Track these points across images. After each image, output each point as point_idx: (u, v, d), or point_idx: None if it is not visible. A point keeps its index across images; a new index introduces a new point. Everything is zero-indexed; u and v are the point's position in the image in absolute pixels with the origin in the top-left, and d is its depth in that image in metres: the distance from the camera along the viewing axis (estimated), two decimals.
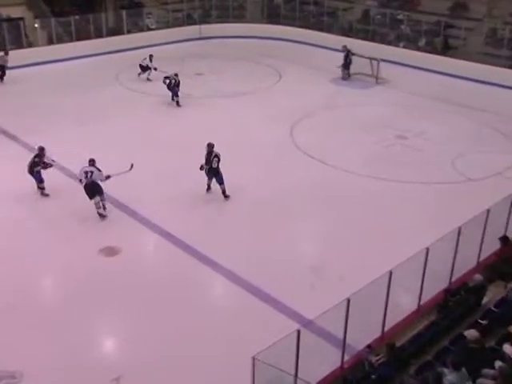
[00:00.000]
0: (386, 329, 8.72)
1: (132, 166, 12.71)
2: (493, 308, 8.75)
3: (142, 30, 28.38)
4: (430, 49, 25.58)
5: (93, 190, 12.37)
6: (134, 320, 9.59)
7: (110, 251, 11.34)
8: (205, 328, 9.34)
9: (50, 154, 13.73)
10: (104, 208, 12.61)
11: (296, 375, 7.27)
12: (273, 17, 30.69)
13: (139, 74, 22.62)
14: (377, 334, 8.68)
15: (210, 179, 13.42)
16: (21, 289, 10.21)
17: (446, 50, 25.25)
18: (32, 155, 13.41)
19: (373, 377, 7.42)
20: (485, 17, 25.34)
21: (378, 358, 7.69)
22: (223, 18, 30.89)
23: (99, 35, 26.60)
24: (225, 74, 23.50)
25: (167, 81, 19.58)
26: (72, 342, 8.97)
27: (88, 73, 23.53)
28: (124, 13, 27.53)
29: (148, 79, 22.39)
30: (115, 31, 27.43)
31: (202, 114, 19.00)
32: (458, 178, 14.77)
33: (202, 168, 13.18)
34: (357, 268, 10.66)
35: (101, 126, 17.62)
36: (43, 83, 22.13)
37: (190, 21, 29.94)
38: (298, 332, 7.00)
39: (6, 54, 22.12)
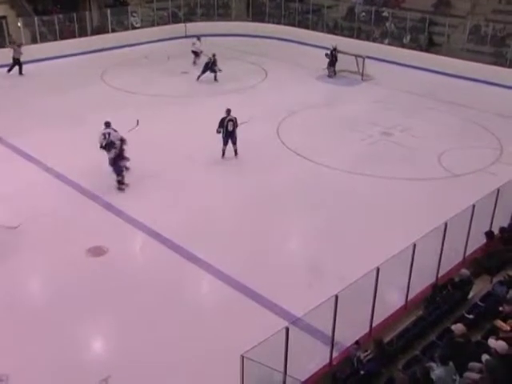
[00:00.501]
0: (374, 325, 8.76)
1: (138, 122, 14.35)
2: (479, 302, 8.83)
3: (126, 29, 28.26)
4: (415, 46, 25.76)
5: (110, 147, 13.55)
6: (122, 319, 9.55)
7: (98, 251, 11.28)
8: (193, 327, 9.33)
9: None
10: (122, 179, 13.45)
11: (285, 372, 7.29)
12: (258, 15, 30.69)
13: (194, 63, 23.77)
14: (365, 330, 8.73)
15: (225, 144, 15.03)
16: (7, 290, 10.12)
17: (430, 46, 25.44)
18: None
19: (361, 373, 7.47)
20: (468, 14, 25.55)
21: (366, 354, 7.73)
22: (208, 16, 30.86)
23: (83, 34, 26.43)
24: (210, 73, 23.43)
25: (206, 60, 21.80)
26: (59, 343, 8.92)
27: (73, 72, 23.36)
28: (108, 11, 27.35)
29: (194, 63, 23.56)
30: (100, 30, 27.26)
31: (188, 113, 18.97)
32: (443, 173, 14.89)
33: (218, 131, 14.87)
34: (345, 264, 10.71)
35: (86, 125, 17.47)
36: (27, 82, 21.94)
37: (175, 19, 29.85)
38: (287, 329, 7.01)
39: (19, 46, 22.72)
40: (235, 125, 14.89)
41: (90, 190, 13.51)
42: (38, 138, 16.43)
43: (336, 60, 23.34)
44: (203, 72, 21.96)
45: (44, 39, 25.49)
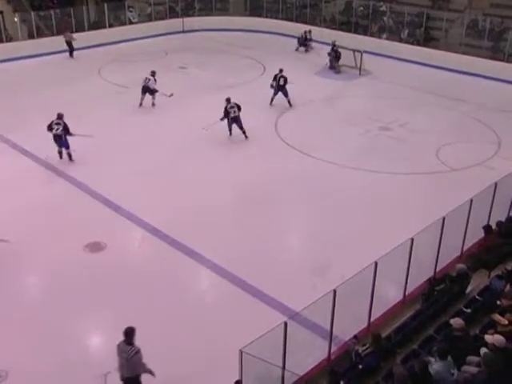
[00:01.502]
0: (372, 319, 8.79)
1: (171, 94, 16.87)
2: (477, 296, 8.86)
3: (123, 24, 28.14)
4: (413, 40, 25.72)
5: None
6: (120, 315, 9.53)
7: (96, 247, 11.27)
8: (192, 322, 9.34)
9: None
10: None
11: (284, 367, 7.31)
12: (255, 9, 30.60)
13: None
14: (363, 324, 8.75)
15: (230, 126, 16.14)
16: (4, 286, 10.12)
17: (427, 41, 25.40)
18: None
19: (360, 367, 7.49)
20: (466, 8, 25.50)
21: (364, 348, 7.75)
22: (206, 10, 30.76)
23: (80, 29, 26.32)
24: (209, 67, 23.41)
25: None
26: (58, 339, 8.93)
27: (70, 67, 23.32)
28: (105, 6, 27.24)
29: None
30: (97, 25, 27.15)
31: (187, 108, 18.92)
32: (441, 168, 14.89)
33: (222, 119, 15.95)
34: (343, 258, 10.73)
35: (83, 120, 17.42)
36: (24, 78, 21.87)
37: (172, 14, 29.75)
38: (285, 324, 7.03)
39: (71, 32, 24.82)
40: (239, 109, 15.96)
41: (88, 185, 13.49)
42: (34, 132, 16.31)
43: (339, 55, 23.39)
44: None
45: (41, 34, 25.41)
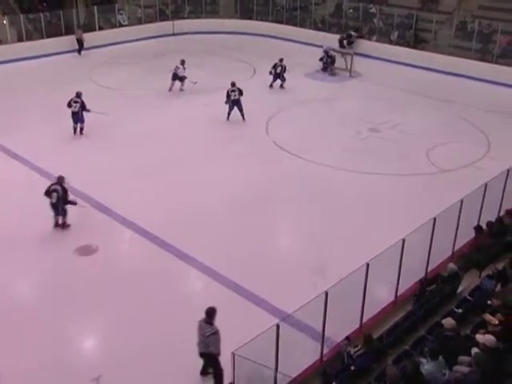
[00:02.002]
0: (364, 320, 8.81)
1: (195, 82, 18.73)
2: (468, 296, 8.90)
3: (114, 27, 28.06)
4: (402, 42, 25.84)
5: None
6: (112, 319, 9.52)
7: (86, 250, 11.22)
8: (185, 325, 9.27)
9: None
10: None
11: (276, 369, 7.30)
12: (246, 12, 30.63)
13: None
14: (355, 325, 8.77)
15: (230, 109, 17.49)
16: None
17: (417, 43, 25.53)
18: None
19: (352, 368, 7.50)
20: (454, 10, 25.67)
21: (356, 349, 7.76)
22: (196, 13, 30.75)
23: (70, 32, 26.20)
24: (199, 70, 23.34)
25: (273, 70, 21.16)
26: (51, 342, 8.88)
27: (60, 70, 23.20)
28: (95, 9, 27.14)
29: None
30: (87, 28, 27.06)
31: (178, 110, 18.90)
32: (432, 169, 14.97)
33: (226, 102, 17.34)
34: (337, 260, 10.73)
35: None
36: (13, 81, 21.73)
37: (162, 17, 29.69)
38: (277, 326, 7.03)
39: (83, 31, 25.62)
40: (240, 94, 17.34)
41: (77, 189, 13.42)
42: (24, 136, 16.33)
43: (334, 59, 23.51)
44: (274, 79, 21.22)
45: (30, 37, 25.27)
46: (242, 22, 29.83)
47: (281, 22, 29.42)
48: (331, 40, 25.40)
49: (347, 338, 8.18)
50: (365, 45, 25.95)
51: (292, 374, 7.60)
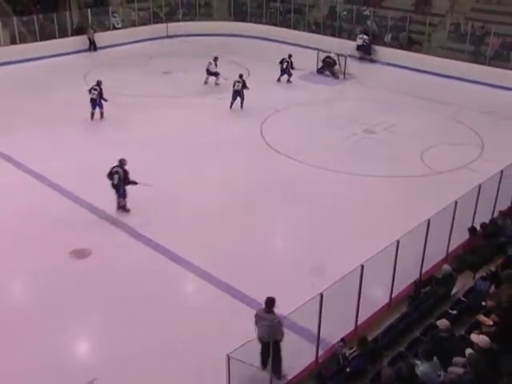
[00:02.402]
0: (359, 322, 8.81)
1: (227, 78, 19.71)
2: (462, 298, 8.93)
3: (107, 29, 28.03)
4: (396, 44, 25.92)
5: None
6: (106, 322, 9.49)
7: (81, 253, 11.18)
8: (179, 327, 9.30)
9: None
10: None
11: (271, 371, 7.30)
12: (240, 14, 30.67)
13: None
14: (350, 327, 8.77)
15: (233, 99, 18.75)
16: None
17: (411, 45, 25.62)
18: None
19: (347, 370, 7.50)
20: (447, 12, 25.78)
21: (351, 351, 7.77)
22: (190, 16, 30.74)
23: (64, 35, 26.16)
24: (193, 73, 23.35)
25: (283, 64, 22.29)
26: (44, 345, 8.84)
27: (54, 73, 23.11)
28: (89, 12, 27.11)
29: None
30: (80, 30, 27.01)
31: (171, 113, 18.89)
32: (426, 171, 15.01)
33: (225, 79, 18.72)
34: (333, 262, 10.74)
35: (68, 126, 17.36)
36: (7, 84, 21.65)
37: (156, 19, 29.68)
38: None
39: (94, 31, 26.69)
40: (244, 85, 18.46)
41: (72, 192, 13.39)
42: (18, 139, 16.28)
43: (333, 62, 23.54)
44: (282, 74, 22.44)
45: (23, 40, 25.19)
46: (236, 25, 29.85)
47: (275, 25, 29.46)
48: (324, 42, 25.41)
49: (342, 339, 8.18)
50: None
51: (287, 376, 7.60)
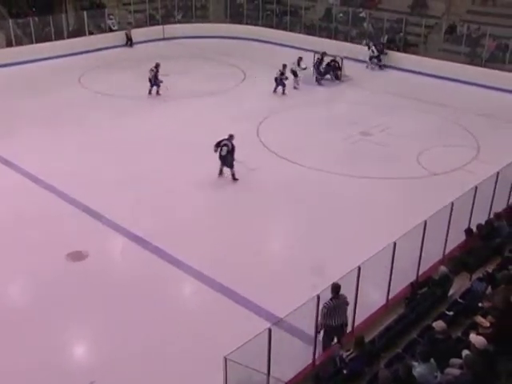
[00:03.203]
0: (356, 323, 8.81)
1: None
2: (459, 299, 8.93)
3: (103, 32, 28.01)
4: (392, 46, 25.96)
5: None
6: (104, 324, 9.47)
7: (78, 256, 11.15)
8: (176, 330, 9.28)
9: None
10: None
11: (268, 374, 7.29)
12: (236, 16, 30.70)
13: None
14: (347, 329, 8.76)
15: (222, 164, 14.49)
16: None
17: (406, 46, 25.67)
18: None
19: (344, 372, 7.49)
20: (443, 14, 25.86)
21: (348, 353, 7.76)
22: (186, 18, 30.75)
23: (60, 37, 26.13)
24: (190, 75, 23.37)
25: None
26: (42, 348, 8.81)
27: (50, 75, 23.10)
28: (85, 14, 27.10)
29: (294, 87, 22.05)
30: (76, 33, 26.99)
31: (168, 115, 18.88)
32: (422, 172, 15.03)
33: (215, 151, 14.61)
34: (331, 264, 10.75)
35: (64, 128, 17.35)
36: (3, 86, 21.61)
37: (152, 21, 29.69)
38: (270, 331, 7.02)
39: (132, 28, 28.62)
40: (230, 151, 14.17)
41: (68, 194, 13.36)
42: (15, 141, 16.24)
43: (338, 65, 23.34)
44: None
45: (19, 42, 25.17)
46: (232, 27, 29.87)
47: (271, 27, 29.50)
48: (320, 44, 25.43)
49: (339, 341, 8.18)
50: (355, 49, 26.02)
51: (284, 379, 7.59)
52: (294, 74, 21.83)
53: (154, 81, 20.29)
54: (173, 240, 11.65)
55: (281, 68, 21.00)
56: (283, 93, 21.10)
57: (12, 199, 13.22)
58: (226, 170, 14.30)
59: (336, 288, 8.22)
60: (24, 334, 9.09)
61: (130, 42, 28.22)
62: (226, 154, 13.98)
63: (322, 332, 8.36)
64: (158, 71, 20.16)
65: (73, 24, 27.47)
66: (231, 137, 14.12)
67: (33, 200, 13.26)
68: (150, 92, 20.55)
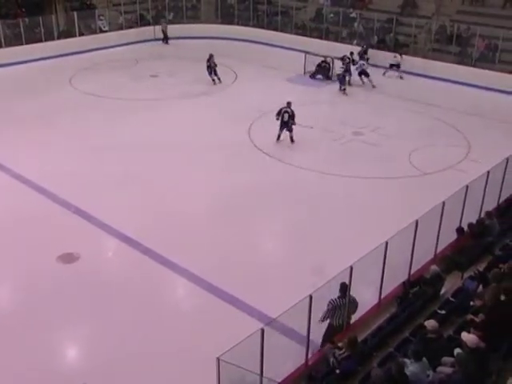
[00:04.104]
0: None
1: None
2: (450, 298, 8.97)
3: (94, 33, 27.88)
4: (383, 46, 26.04)
5: None
6: (95, 326, 9.43)
7: (69, 258, 11.09)
8: (169, 331, 9.26)
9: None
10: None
11: (261, 374, 7.27)
12: (227, 17, 30.67)
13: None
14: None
15: (280, 130, 16.62)
16: None
17: (397, 46, 25.76)
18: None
19: (337, 371, 7.50)
20: (433, 15, 25.97)
21: (341, 352, 7.76)
22: (177, 18, 30.69)
23: (50, 38, 25.98)
24: (180, 75, 23.35)
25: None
26: (33, 351, 8.75)
27: (40, 77, 22.98)
28: (75, 15, 26.96)
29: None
30: (67, 34, 26.86)
31: (159, 116, 18.82)
32: (414, 172, 15.09)
33: (276, 119, 16.66)
34: (320, 263, 10.76)
35: (54, 130, 17.26)
36: None
37: (143, 22, 29.60)
38: (262, 331, 7.01)
39: (166, 23, 29.18)
40: (291, 116, 16.51)
41: (59, 196, 13.29)
42: (4, 142, 16.13)
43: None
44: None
45: (9, 43, 24.98)
46: (223, 27, 29.84)
47: (262, 27, 29.50)
48: (311, 44, 25.46)
49: (332, 341, 8.18)
50: (345, 49, 26.00)
51: (278, 379, 7.58)
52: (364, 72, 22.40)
53: (211, 71, 21.92)
54: (166, 241, 11.62)
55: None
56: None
57: (1, 201, 13.12)
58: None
59: (344, 287, 8.34)
60: (13, 338, 9.01)
61: (166, 39, 28.92)
62: (288, 119, 16.00)
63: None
64: (210, 63, 21.81)
65: (63, 25, 27.31)
66: (289, 104, 16.17)
67: (23, 202, 13.17)
68: (214, 82, 22.18)
